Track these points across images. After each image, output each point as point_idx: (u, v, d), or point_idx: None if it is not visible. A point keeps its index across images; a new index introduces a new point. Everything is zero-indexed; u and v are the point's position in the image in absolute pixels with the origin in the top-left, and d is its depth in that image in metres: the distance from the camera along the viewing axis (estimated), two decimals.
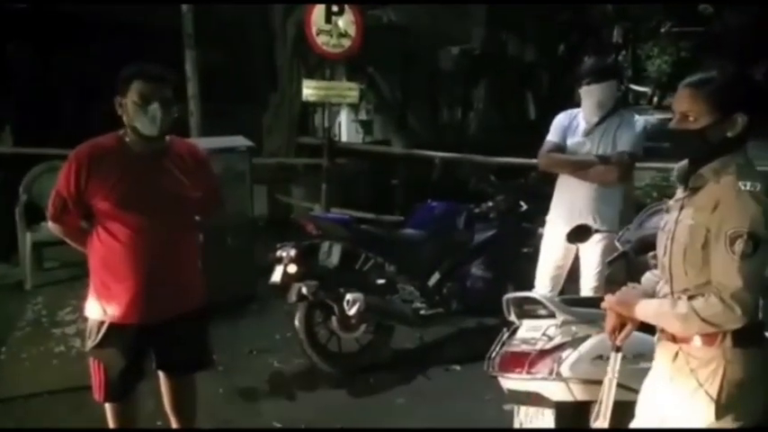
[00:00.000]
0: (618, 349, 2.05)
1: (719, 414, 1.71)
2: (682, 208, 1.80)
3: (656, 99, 28.45)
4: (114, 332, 2.45)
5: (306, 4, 5.87)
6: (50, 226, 2.55)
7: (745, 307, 1.65)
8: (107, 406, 2.56)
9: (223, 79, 7.91)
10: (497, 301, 2.81)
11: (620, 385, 2.17)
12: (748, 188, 1.66)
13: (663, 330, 1.86)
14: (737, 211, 1.65)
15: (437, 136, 11.90)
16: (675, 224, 1.81)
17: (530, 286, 3.65)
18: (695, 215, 1.74)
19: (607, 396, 2.06)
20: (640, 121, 3.54)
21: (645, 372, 2.00)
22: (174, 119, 2.46)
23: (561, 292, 3.64)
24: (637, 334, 2.24)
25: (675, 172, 1.88)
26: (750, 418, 1.75)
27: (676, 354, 1.81)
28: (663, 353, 1.88)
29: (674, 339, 1.82)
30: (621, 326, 1.98)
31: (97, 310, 2.47)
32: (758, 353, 1.76)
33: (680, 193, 1.86)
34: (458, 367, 3.96)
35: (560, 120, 3.58)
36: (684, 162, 1.86)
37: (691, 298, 1.73)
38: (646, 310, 1.85)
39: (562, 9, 13.89)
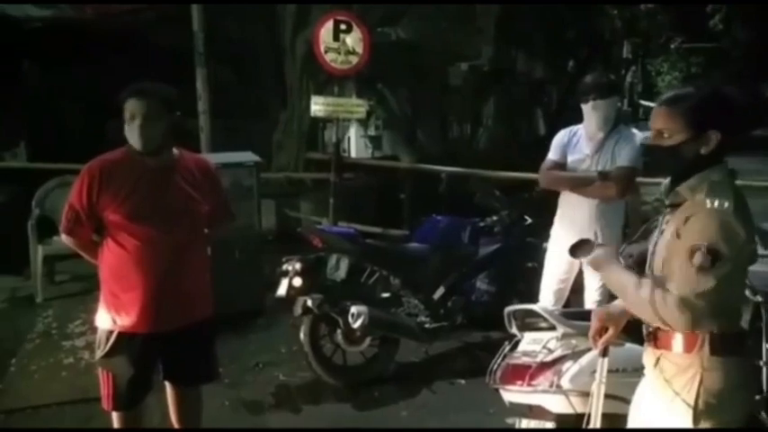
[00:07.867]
0: (604, 354, 2.08)
1: (697, 421, 1.73)
2: (667, 223, 1.85)
3: None
4: (123, 341, 2.51)
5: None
6: (63, 238, 2.62)
7: (695, 316, 1.66)
8: (114, 415, 2.61)
9: (234, 96, 8.02)
10: (502, 314, 2.84)
11: (618, 398, 2.20)
12: (715, 206, 1.70)
13: (648, 337, 1.88)
14: (700, 227, 1.70)
15: (446, 151, 11.92)
16: (658, 238, 1.87)
17: (534, 300, 3.66)
18: (672, 230, 1.78)
19: (596, 402, 2.09)
20: (638, 135, 3.57)
21: None
22: (165, 133, 2.49)
23: (566, 306, 3.65)
24: (637, 348, 2.26)
25: (662, 188, 1.92)
26: (728, 426, 1.76)
27: (657, 360, 1.84)
28: (647, 359, 1.92)
29: (655, 346, 1.85)
30: (605, 330, 2.02)
31: (107, 319, 2.53)
32: (737, 362, 1.77)
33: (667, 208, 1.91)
34: (462, 381, 3.96)
35: (560, 137, 3.62)
36: (668, 179, 1.90)
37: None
38: (612, 274, 1.90)
39: (571, 25, 13.93)
